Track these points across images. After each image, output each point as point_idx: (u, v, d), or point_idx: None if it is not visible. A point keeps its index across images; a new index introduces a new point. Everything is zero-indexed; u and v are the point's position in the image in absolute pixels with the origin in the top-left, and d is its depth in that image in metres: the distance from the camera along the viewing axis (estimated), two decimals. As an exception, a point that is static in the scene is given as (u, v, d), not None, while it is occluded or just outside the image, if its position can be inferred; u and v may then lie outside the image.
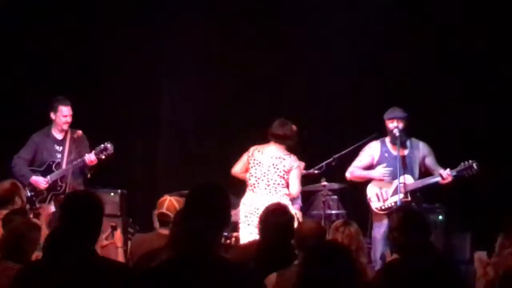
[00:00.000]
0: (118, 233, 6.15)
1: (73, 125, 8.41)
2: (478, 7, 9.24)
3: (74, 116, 8.40)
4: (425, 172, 7.91)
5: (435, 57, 9.55)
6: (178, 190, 8.15)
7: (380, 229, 7.73)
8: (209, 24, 10.17)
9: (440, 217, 8.87)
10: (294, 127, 7.65)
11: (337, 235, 5.33)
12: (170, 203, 5.97)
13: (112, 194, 8.98)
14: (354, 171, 8.00)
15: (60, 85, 9.31)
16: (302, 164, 7.88)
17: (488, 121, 9.26)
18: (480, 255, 5.81)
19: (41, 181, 8.18)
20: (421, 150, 7.92)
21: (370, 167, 8.00)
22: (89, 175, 8.36)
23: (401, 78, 9.54)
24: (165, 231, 5.69)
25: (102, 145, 8.18)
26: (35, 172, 8.26)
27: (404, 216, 4.78)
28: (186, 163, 10.07)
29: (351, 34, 9.66)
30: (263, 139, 7.74)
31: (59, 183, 8.23)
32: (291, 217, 5.40)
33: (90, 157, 8.13)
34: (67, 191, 8.07)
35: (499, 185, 8.82)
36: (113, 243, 6.05)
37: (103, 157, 8.17)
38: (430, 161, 7.90)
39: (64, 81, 9.54)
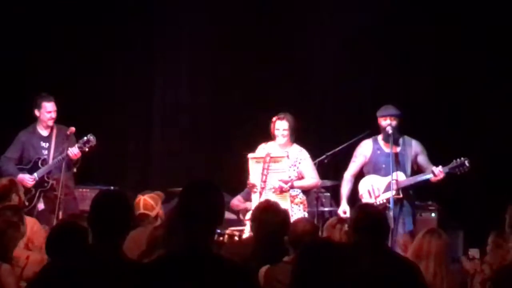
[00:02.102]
0: None
1: (67, 123, 8.38)
2: (478, 8, 9.28)
3: (68, 114, 8.38)
4: (417, 170, 7.90)
5: (434, 54, 9.57)
6: (171, 187, 8.17)
7: None
8: (206, 21, 10.16)
9: (433, 214, 8.88)
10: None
11: (334, 233, 5.32)
12: (145, 202, 6.08)
13: (104, 191, 8.94)
14: (342, 184, 8.05)
15: (52, 82, 9.29)
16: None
17: (483, 121, 9.27)
18: (473, 253, 5.83)
19: (27, 179, 8.11)
20: (414, 148, 7.92)
21: (364, 165, 8.02)
22: (75, 170, 8.30)
23: (395, 75, 9.55)
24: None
25: (85, 138, 8.08)
26: (22, 171, 8.21)
27: (358, 215, 4.70)
28: (179, 161, 10.06)
29: (346, 32, 9.66)
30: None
31: (46, 179, 8.19)
32: (285, 214, 5.40)
33: (73, 151, 8.03)
34: (55, 186, 8.06)
35: (492, 183, 8.83)
36: None
37: (87, 149, 8.07)
38: (422, 159, 7.90)
39: (56, 78, 9.51)
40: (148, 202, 6.08)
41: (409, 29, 9.52)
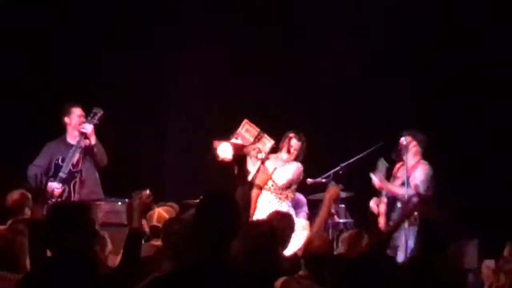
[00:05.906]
0: None
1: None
2: (478, 17, 9.29)
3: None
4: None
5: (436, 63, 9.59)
6: (185, 199, 8.18)
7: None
8: (212, 28, 10.18)
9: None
10: None
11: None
12: (159, 215, 6.02)
13: (119, 203, 8.94)
14: None
15: (64, 93, 9.35)
16: None
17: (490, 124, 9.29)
18: (488, 263, 5.82)
19: (54, 187, 8.08)
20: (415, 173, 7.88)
21: None
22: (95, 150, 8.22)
23: (408, 84, 9.55)
24: (157, 242, 5.68)
25: (91, 113, 8.14)
26: (49, 179, 8.20)
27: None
28: (193, 172, 10.06)
29: (357, 41, 9.68)
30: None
31: (72, 170, 8.12)
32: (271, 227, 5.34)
33: (87, 128, 8.06)
34: (83, 178, 8.14)
35: (507, 192, 8.81)
36: None
37: (97, 121, 8.13)
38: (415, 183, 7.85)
39: (69, 89, 9.55)
40: (162, 215, 6.02)
41: (421, 39, 9.54)
